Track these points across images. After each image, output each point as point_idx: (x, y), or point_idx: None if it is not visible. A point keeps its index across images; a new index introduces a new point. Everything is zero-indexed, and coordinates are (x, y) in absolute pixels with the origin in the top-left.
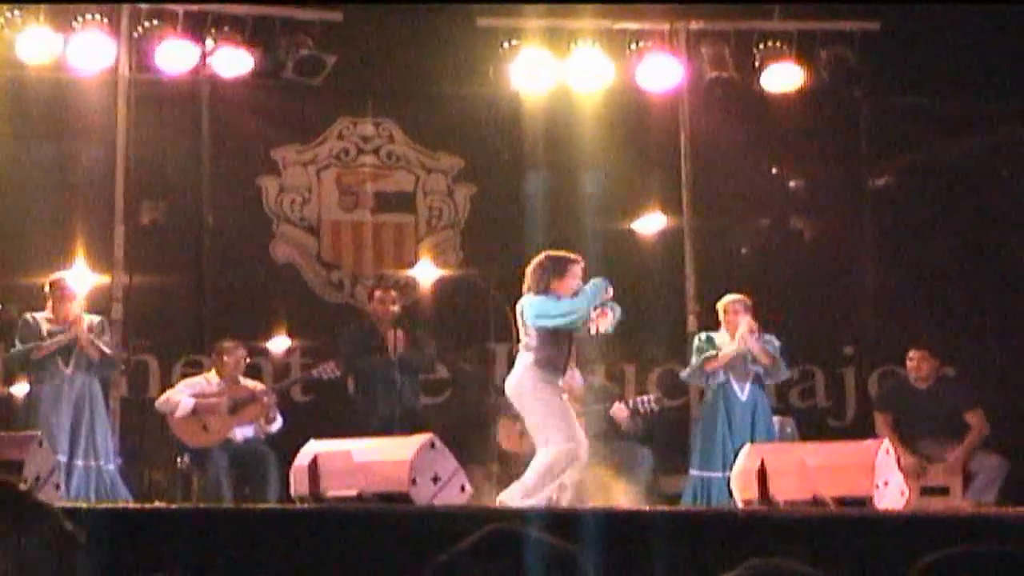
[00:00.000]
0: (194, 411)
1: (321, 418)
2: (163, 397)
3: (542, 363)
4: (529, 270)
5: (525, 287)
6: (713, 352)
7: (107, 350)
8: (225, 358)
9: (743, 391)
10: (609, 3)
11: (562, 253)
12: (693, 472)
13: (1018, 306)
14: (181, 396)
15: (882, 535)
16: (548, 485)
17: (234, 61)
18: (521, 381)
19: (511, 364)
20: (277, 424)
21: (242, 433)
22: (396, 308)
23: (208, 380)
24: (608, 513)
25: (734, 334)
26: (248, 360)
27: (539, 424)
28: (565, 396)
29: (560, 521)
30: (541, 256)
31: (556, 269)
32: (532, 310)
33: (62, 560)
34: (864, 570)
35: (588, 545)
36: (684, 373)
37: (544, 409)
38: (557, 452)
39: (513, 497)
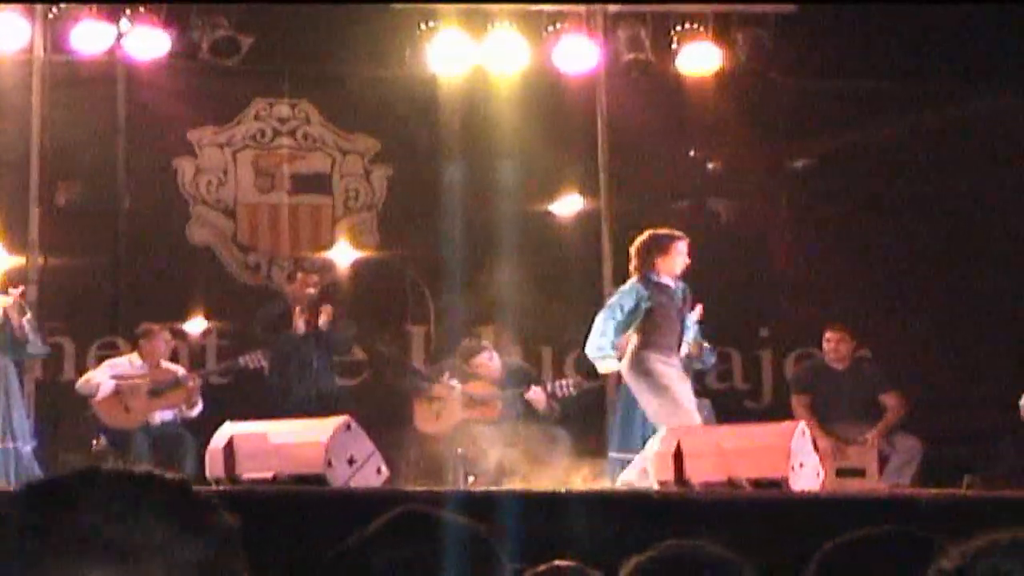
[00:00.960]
0: (116, 392)
1: (237, 400)
2: (84, 378)
3: (646, 345)
4: (633, 250)
5: (632, 267)
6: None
7: (30, 335)
8: (150, 341)
9: None
10: None
11: (665, 231)
12: (612, 454)
13: (934, 289)
14: (102, 377)
15: (798, 516)
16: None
17: (150, 42)
18: (630, 363)
19: (428, 346)
20: (198, 409)
21: (160, 415)
22: (314, 291)
23: (131, 362)
24: (524, 495)
25: None
26: (171, 343)
27: (648, 407)
28: (675, 373)
29: (477, 503)
30: (644, 235)
31: (659, 247)
32: (616, 299)
33: (222, 554)
34: (780, 551)
35: (505, 527)
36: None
37: (650, 392)
38: (666, 432)
39: (632, 477)
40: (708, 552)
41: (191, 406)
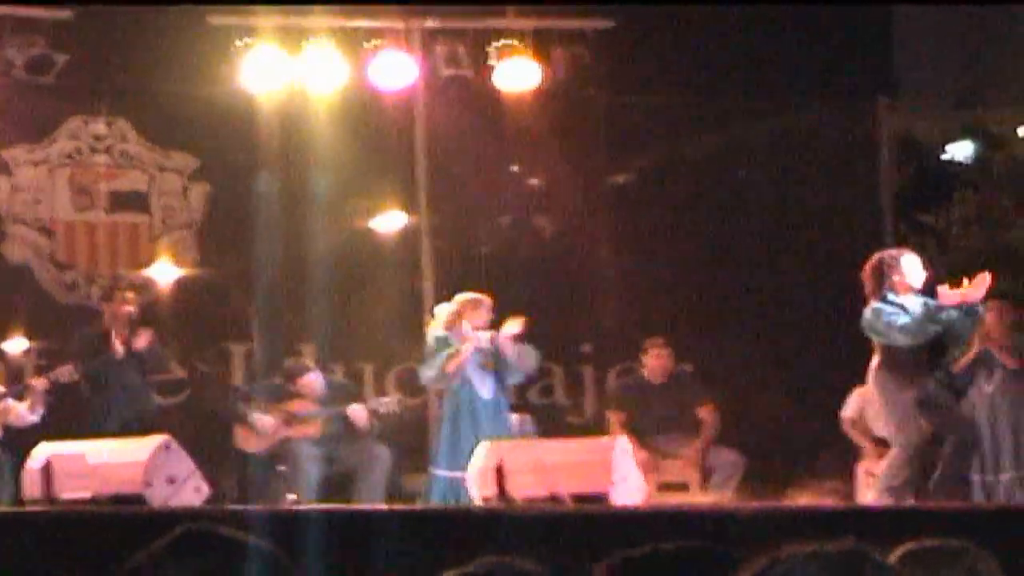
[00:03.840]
0: None
1: (55, 421)
2: None
3: (883, 365)
4: (865, 275)
5: (867, 291)
6: (452, 349)
7: None
8: None
9: (485, 388)
10: (343, 2)
11: (891, 251)
12: (440, 472)
13: (753, 303)
14: None
15: (619, 531)
16: (902, 478)
17: None
18: (871, 383)
19: (249, 364)
20: (39, 414)
21: None
22: (131, 309)
23: None
24: (343, 513)
25: (467, 332)
26: None
27: (885, 423)
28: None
29: (292, 522)
30: (873, 259)
31: (891, 267)
32: (867, 319)
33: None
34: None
35: (321, 546)
36: (425, 377)
37: (885, 411)
38: (897, 451)
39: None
40: (520, 568)
41: (33, 411)
